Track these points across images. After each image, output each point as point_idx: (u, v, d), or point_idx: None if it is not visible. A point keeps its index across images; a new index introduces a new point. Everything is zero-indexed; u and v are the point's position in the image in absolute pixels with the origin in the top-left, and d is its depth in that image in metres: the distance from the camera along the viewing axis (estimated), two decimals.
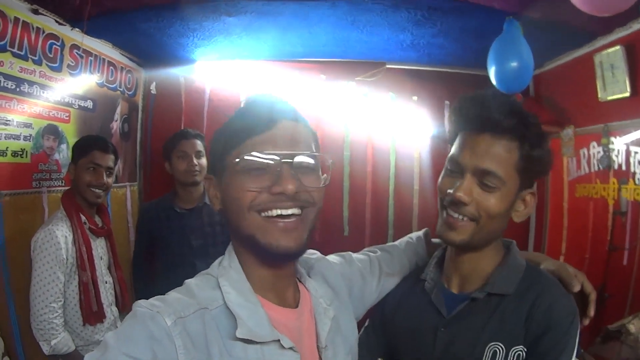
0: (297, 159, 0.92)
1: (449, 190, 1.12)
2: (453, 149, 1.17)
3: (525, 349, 1.07)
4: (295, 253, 0.94)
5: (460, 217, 1.12)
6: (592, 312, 1.14)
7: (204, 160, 2.85)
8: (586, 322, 1.13)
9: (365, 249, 1.40)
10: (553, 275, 1.18)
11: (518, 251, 1.23)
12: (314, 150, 0.98)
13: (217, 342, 0.86)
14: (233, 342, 0.87)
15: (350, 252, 1.34)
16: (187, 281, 0.96)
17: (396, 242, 1.47)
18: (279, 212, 0.90)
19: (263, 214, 0.91)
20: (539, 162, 1.13)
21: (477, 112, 1.12)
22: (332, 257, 1.27)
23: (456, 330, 1.15)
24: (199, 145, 2.86)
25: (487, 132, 1.11)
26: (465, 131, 1.16)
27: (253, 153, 0.90)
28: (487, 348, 1.09)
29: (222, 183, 0.97)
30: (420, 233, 1.49)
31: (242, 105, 1.02)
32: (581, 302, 1.15)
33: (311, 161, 0.95)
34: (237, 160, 0.91)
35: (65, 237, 2.22)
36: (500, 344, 1.09)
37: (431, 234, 1.48)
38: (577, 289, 1.12)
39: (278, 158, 0.90)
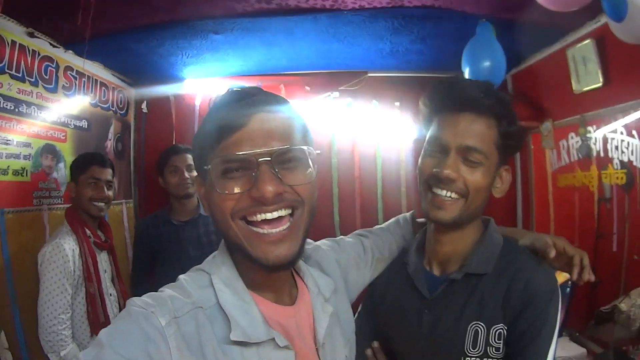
0: (276, 155, 0.85)
1: (434, 170, 1.14)
2: (433, 131, 1.19)
3: (506, 327, 1.08)
4: (288, 263, 0.89)
5: (448, 194, 1.14)
6: (586, 274, 1.12)
7: (194, 173, 2.91)
8: (586, 278, 1.12)
9: (356, 232, 1.40)
10: (529, 249, 1.19)
11: (496, 228, 1.26)
12: (300, 141, 0.90)
13: (211, 344, 0.83)
14: (228, 345, 0.85)
15: (342, 237, 1.34)
16: (181, 277, 0.93)
17: (384, 225, 1.46)
18: (263, 216, 0.86)
19: (248, 219, 0.87)
20: (514, 138, 1.18)
21: (458, 92, 1.16)
22: (324, 243, 1.27)
23: (439, 311, 1.17)
24: (190, 159, 2.91)
25: (467, 111, 1.14)
26: (444, 112, 1.18)
27: (224, 157, 0.85)
28: (468, 327, 1.11)
29: (205, 188, 0.93)
30: (408, 215, 1.49)
31: (212, 104, 0.95)
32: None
33: (294, 155, 0.87)
34: (210, 167, 0.86)
35: (73, 250, 2.27)
36: (481, 323, 1.10)
37: (417, 215, 1.48)
38: (552, 254, 1.11)
39: (254, 158, 0.84)
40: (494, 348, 1.09)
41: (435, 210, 1.15)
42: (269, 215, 0.86)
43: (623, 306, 2.23)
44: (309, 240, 1.20)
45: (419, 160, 1.23)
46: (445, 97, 1.19)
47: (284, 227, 0.87)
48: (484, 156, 1.13)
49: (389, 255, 1.37)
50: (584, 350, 2.47)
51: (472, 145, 1.12)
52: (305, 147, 0.89)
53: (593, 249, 2.72)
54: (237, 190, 0.85)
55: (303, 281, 1.06)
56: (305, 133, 0.94)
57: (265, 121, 0.87)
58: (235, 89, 0.94)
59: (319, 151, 0.95)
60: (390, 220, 1.49)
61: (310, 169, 0.90)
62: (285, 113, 0.91)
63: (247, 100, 0.89)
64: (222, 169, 0.86)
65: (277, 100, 0.92)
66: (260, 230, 0.86)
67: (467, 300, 1.14)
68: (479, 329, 1.10)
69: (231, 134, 0.86)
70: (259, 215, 0.86)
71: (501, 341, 1.08)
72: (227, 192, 0.85)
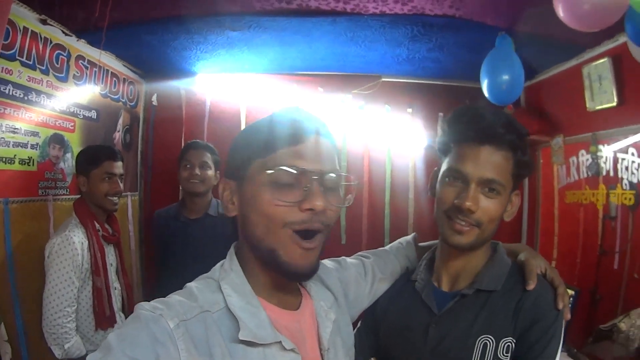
0: (327, 176, 0.92)
1: (455, 201, 1.18)
2: (451, 160, 1.23)
3: (514, 340, 1.13)
4: (309, 274, 0.96)
5: (466, 222, 1.18)
6: (560, 305, 1.14)
7: (209, 172, 2.87)
8: (566, 316, 1.16)
9: (358, 254, 1.44)
10: (521, 266, 1.25)
11: (504, 251, 1.31)
12: (339, 169, 0.98)
13: (219, 345, 0.86)
14: (235, 345, 0.87)
15: (344, 257, 1.37)
16: (188, 284, 0.96)
17: (387, 247, 1.51)
18: (308, 226, 0.91)
19: (295, 228, 0.90)
20: (528, 167, 1.24)
21: (482, 126, 1.19)
22: (327, 262, 1.30)
23: (447, 325, 1.21)
24: (207, 157, 2.90)
25: (487, 144, 1.18)
26: (464, 143, 1.22)
27: (286, 166, 0.90)
28: (477, 341, 1.15)
29: (243, 190, 0.96)
30: (410, 238, 1.54)
31: (274, 114, 1.00)
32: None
33: (337, 180, 0.95)
34: (270, 171, 0.90)
35: (82, 243, 2.26)
36: (490, 337, 1.14)
37: (419, 239, 1.54)
38: (530, 287, 1.16)
39: (309, 174, 0.90)
40: None
41: (455, 236, 1.20)
42: (309, 228, 0.91)
43: (623, 326, 2.25)
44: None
45: (438, 188, 1.27)
46: (468, 129, 1.22)
47: (317, 240, 0.93)
48: (502, 186, 1.18)
49: (390, 275, 1.41)
50: None
51: (491, 177, 1.17)
52: (349, 175, 1.00)
53: (595, 265, 2.74)
54: (289, 200, 0.90)
55: (306, 290, 1.10)
56: (340, 162, 0.99)
57: (319, 143, 0.94)
58: (297, 107, 1.01)
59: (357, 182, 1.04)
60: (393, 243, 1.55)
61: (349, 196, 1.00)
62: (333, 141, 1.00)
63: (308, 119, 0.96)
64: (276, 178, 0.90)
65: (328, 127, 0.99)
66: (301, 240, 0.91)
67: (477, 315, 1.18)
68: (487, 342, 1.14)
69: (291, 145, 0.92)
70: (305, 225, 0.91)
71: (508, 354, 1.12)
72: (280, 200, 0.90)
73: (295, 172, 0.90)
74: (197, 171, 2.85)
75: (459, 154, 1.22)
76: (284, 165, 0.90)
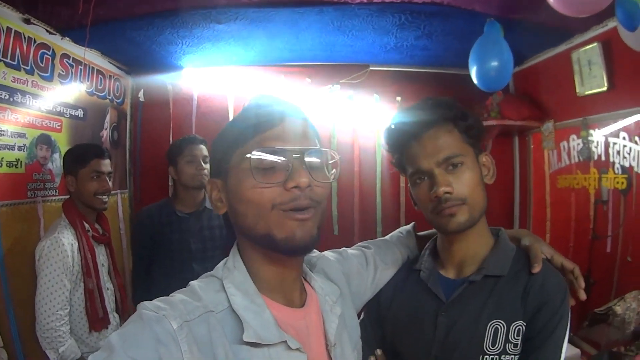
0: (308, 154, 0.92)
1: (431, 193, 1.20)
2: (409, 167, 1.26)
3: (525, 324, 1.14)
4: (308, 246, 0.93)
5: (451, 204, 1.20)
6: (582, 283, 1.21)
7: (208, 165, 2.86)
8: (582, 296, 1.21)
9: (359, 244, 1.43)
10: (525, 251, 1.27)
11: (507, 237, 1.32)
12: (322, 144, 0.99)
13: (223, 346, 0.85)
14: (239, 346, 0.86)
15: (345, 249, 1.37)
16: (192, 283, 0.94)
17: (387, 237, 1.51)
18: (295, 205, 0.90)
19: (283, 209, 0.90)
20: (474, 128, 1.26)
21: (408, 123, 1.25)
22: (329, 254, 1.30)
23: (456, 313, 1.21)
24: (205, 150, 2.90)
25: (424, 131, 1.22)
26: (408, 145, 1.25)
27: (264, 148, 0.90)
28: (488, 326, 1.16)
29: (228, 185, 0.96)
30: (409, 227, 1.54)
31: (245, 105, 1.01)
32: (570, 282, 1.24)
33: (319, 157, 0.95)
34: (248, 156, 0.90)
35: (71, 245, 2.24)
36: (501, 321, 1.15)
37: (418, 228, 1.54)
38: (535, 270, 1.18)
39: (289, 153, 0.91)
40: (512, 345, 1.14)
41: (450, 221, 1.21)
42: (298, 207, 0.90)
43: (618, 309, 2.27)
44: (314, 249, 1.25)
45: (412, 194, 1.30)
46: (403, 132, 1.26)
47: (309, 213, 0.92)
48: (461, 156, 1.21)
49: (392, 265, 1.40)
50: (577, 350, 2.51)
51: (445, 155, 1.20)
52: (331, 150, 0.99)
53: (588, 250, 2.77)
54: (274, 181, 0.90)
55: (310, 285, 1.08)
56: (321, 141, 1.02)
57: (296, 122, 0.96)
58: (265, 94, 1.01)
59: (340, 156, 1.01)
60: (393, 232, 1.54)
61: (334, 171, 0.99)
62: (310, 122, 1.00)
63: (278, 103, 0.98)
64: (257, 163, 0.90)
65: (302, 109, 1.00)
66: (293, 213, 0.90)
67: (486, 300, 1.19)
68: (499, 327, 1.15)
69: (267, 129, 0.92)
70: (293, 204, 0.90)
71: (519, 337, 1.14)
72: (264, 183, 0.89)
73: (274, 152, 0.91)
74: (203, 165, 2.85)
75: (410, 157, 1.25)
76: (265, 148, 0.91)
